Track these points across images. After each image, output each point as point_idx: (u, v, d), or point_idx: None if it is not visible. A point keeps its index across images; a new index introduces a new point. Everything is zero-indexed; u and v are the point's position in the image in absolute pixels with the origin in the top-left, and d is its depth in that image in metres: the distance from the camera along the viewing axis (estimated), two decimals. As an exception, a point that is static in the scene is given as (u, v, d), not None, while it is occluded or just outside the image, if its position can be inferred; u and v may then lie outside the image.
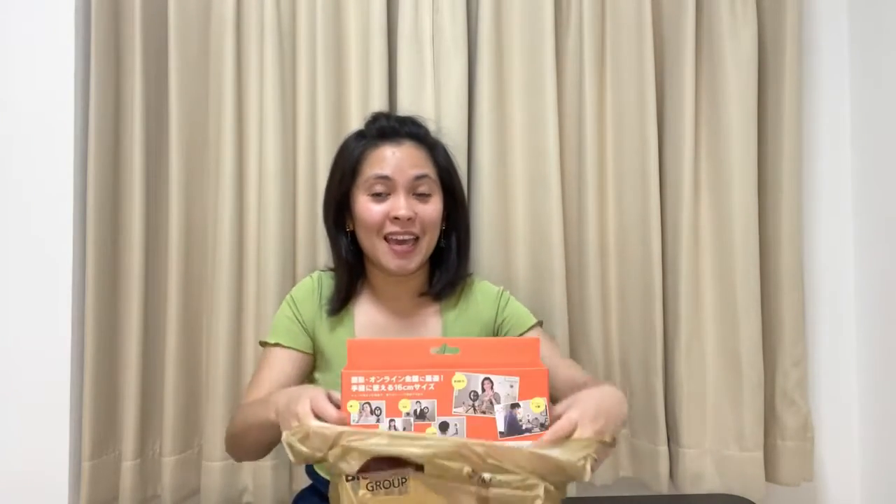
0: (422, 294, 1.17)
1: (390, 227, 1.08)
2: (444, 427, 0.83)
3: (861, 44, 1.52)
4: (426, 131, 1.18)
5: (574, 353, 1.44)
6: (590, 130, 1.44)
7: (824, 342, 1.54)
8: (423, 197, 1.10)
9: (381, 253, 1.10)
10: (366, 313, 1.16)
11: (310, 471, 1.20)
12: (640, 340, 1.45)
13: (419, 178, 1.09)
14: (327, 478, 1.13)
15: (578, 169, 1.46)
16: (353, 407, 0.82)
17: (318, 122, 1.42)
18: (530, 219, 1.45)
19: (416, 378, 0.84)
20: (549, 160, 1.43)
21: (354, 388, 0.83)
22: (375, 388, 0.83)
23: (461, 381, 0.84)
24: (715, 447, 1.44)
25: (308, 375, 1.16)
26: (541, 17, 1.43)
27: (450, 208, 1.17)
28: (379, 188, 1.09)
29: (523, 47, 1.45)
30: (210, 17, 1.44)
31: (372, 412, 0.83)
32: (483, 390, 0.85)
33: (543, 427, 0.83)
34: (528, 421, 0.84)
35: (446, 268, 1.16)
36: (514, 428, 0.84)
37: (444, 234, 1.17)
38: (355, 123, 1.41)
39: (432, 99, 1.42)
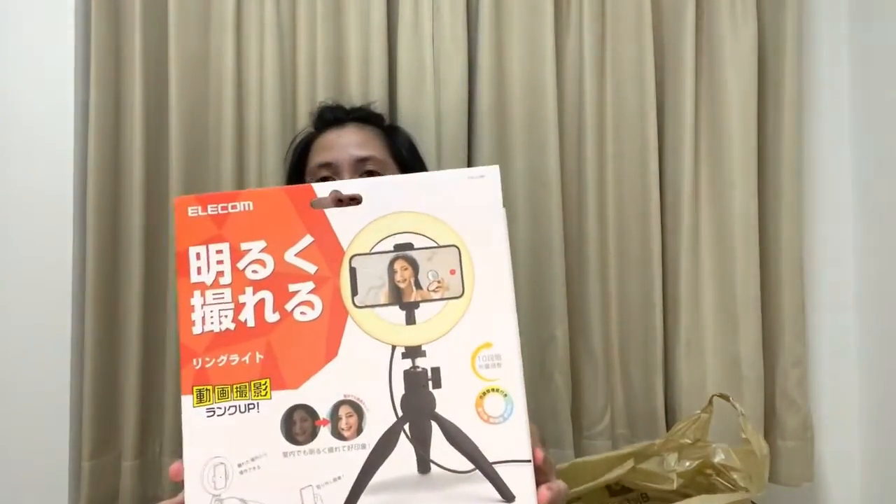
0: None
1: None
2: None
3: (861, 44, 1.52)
4: (372, 114, 1.16)
5: (574, 353, 1.44)
6: (590, 130, 1.44)
7: (824, 342, 1.53)
8: (371, 174, 1.06)
9: None
10: None
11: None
12: (640, 340, 1.45)
13: (363, 159, 1.06)
14: None
15: (578, 169, 1.46)
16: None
17: (318, 122, 1.42)
18: (530, 219, 1.44)
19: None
20: (549, 160, 1.42)
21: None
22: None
23: None
24: (715, 447, 1.44)
25: None
26: (541, 17, 1.43)
27: None
28: (324, 173, 1.06)
29: (523, 47, 1.45)
30: (210, 17, 1.44)
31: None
32: None
33: None
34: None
35: None
36: None
37: None
38: (355, 123, 1.41)
39: (432, 98, 1.42)
